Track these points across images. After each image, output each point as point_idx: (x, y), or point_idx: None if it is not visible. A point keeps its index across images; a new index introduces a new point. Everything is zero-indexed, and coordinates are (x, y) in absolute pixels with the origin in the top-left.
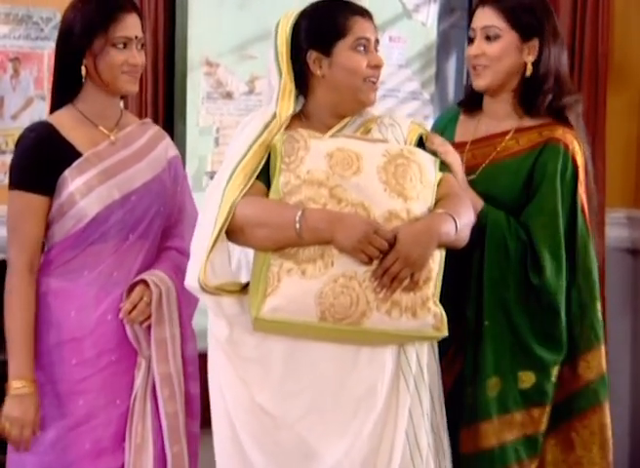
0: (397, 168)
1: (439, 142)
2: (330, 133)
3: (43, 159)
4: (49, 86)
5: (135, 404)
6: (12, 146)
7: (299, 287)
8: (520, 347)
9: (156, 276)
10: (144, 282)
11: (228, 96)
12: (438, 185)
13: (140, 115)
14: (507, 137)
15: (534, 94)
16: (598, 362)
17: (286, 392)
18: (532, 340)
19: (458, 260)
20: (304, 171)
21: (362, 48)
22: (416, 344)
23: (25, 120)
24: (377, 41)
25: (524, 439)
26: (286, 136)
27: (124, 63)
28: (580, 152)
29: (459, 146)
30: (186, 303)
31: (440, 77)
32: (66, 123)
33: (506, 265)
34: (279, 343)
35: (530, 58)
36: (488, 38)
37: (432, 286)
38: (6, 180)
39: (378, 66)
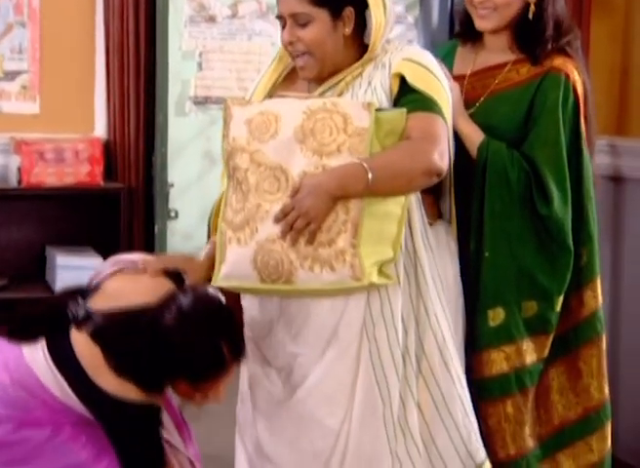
0: (316, 123)
1: None
2: (320, 88)
3: None
4: (28, 12)
5: None
6: None
7: (238, 254)
8: (523, 277)
9: None
10: None
11: (211, 19)
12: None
13: (122, 40)
14: (507, 68)
15: (534, 40)
16: (599, 291)
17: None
18: (536, 270)
19: (460, 195)
20: (231, 138)
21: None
22: (382, 293)
23: (5, 47)
24: (291, 15)
25: (527, 367)
26: (224, 104)
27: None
28: (580, 81)
29: (457, 79)
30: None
31: (424, 0)
32: None
33: (508, 196)
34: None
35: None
36: None
37: (348, 237)
38: None
39: (286, 43)
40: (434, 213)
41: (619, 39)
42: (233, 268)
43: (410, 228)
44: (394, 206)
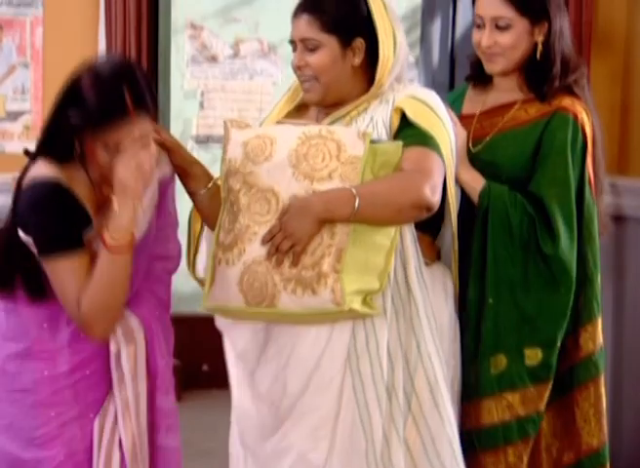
0: (310, 148)
1: None
2: (327, 120)
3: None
4: (31, 53)
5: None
6: None
7: (225, 275)
8: (526, 324)
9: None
10: None
11: (213, 59)
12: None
13: None
14: (515, 107)
15: (542, 79)
16: (598, 332)
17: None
18: (539, 317)
19: (460, 241)
20: (227, 160)
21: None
22: (367, 325)
23: (8, 87)
24: (302, 40)
25: (531, 415)
26: (224, 126)
27: (109, 169)
28: (588, 123)
29: (467, 118)
30: (164, 352)
31: (425, 40)
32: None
33: (510, 242)
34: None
35: (540, 39)
36: (498, 27)
37: (331, 261)
38: None
39: (295, 67)
40: (432, 253)
41: (618, 78)
42: (220, 289)
43: (404, 264)
44: (383, 237)
